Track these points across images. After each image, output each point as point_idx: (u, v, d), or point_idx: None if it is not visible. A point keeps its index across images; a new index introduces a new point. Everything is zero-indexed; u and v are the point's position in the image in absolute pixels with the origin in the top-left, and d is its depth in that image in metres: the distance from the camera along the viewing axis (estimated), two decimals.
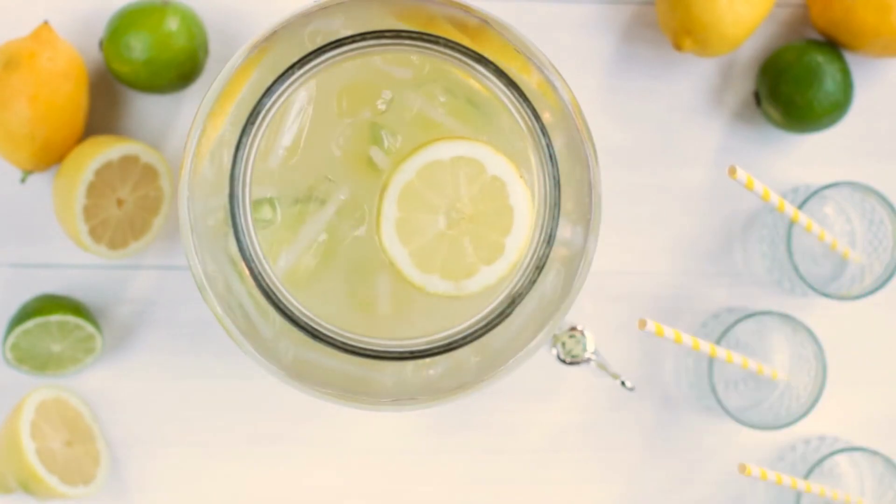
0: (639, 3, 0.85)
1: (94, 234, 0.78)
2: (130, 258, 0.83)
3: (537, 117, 0.56)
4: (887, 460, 0.81)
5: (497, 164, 0.57)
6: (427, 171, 0.57)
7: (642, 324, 0.70)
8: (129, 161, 0.79)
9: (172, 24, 0.78)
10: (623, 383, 0.83)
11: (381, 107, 0.59)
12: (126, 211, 0.79)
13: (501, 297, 0.55)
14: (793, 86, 0.82)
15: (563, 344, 0.83)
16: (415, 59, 0.59)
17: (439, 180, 0.57)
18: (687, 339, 0.74)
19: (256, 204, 0.57)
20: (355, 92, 0.59)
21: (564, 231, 0.58)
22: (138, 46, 0.78)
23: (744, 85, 0.86)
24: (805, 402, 0.82)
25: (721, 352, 0.77)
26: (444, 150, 0.57)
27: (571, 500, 0.86)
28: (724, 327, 0.80)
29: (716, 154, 0.86)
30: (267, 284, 0.55)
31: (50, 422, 0.80)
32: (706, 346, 0.76)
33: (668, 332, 0.72)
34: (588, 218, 0.59)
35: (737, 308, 0.85)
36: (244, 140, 0.55)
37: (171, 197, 0.81)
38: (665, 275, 0.86)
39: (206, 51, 0.81)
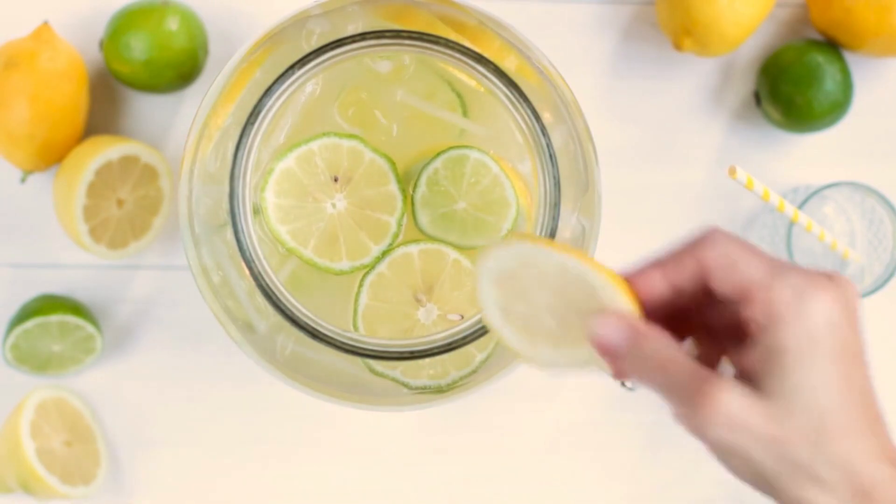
0: (639, 3, 0.85)
1: (94, 234, 0.78)
2: (130, 258, 0.83)
3: (537, 117, 0.56)
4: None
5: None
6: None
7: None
8: (129, 161, 0.79)
9: (172, 24, 0.78)
10: (623, 383, 0.83)
11: (381, 105, 0.59)
12: (126, 211, 0.79)
13: None
14: (793, 86, 0.82)
15: None
16: (412, 58, 0.59)
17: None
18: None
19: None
20: (356, 92, 0.59)
21: (564, 231, 0.58)
22: (138, 46, 0.78)
23: (744, 85, 0.86)
24: None
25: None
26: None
27: (571, 500, 0.86)
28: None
29: (716, 154, 0.86)
30: (267, 284, 0.55)
31: (50, 422, 0.80)
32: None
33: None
34: (588, 218, 0.59)
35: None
36: (244, 140, 0.55)
37: (171, 197, 0.80)
38: None
39: (206, 51, 0.81)
